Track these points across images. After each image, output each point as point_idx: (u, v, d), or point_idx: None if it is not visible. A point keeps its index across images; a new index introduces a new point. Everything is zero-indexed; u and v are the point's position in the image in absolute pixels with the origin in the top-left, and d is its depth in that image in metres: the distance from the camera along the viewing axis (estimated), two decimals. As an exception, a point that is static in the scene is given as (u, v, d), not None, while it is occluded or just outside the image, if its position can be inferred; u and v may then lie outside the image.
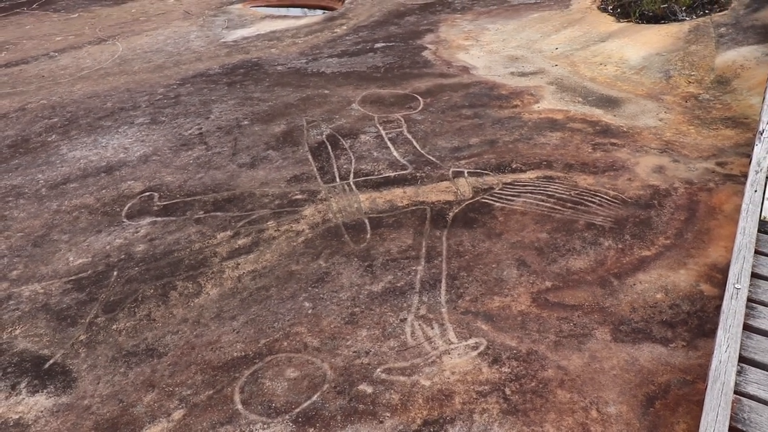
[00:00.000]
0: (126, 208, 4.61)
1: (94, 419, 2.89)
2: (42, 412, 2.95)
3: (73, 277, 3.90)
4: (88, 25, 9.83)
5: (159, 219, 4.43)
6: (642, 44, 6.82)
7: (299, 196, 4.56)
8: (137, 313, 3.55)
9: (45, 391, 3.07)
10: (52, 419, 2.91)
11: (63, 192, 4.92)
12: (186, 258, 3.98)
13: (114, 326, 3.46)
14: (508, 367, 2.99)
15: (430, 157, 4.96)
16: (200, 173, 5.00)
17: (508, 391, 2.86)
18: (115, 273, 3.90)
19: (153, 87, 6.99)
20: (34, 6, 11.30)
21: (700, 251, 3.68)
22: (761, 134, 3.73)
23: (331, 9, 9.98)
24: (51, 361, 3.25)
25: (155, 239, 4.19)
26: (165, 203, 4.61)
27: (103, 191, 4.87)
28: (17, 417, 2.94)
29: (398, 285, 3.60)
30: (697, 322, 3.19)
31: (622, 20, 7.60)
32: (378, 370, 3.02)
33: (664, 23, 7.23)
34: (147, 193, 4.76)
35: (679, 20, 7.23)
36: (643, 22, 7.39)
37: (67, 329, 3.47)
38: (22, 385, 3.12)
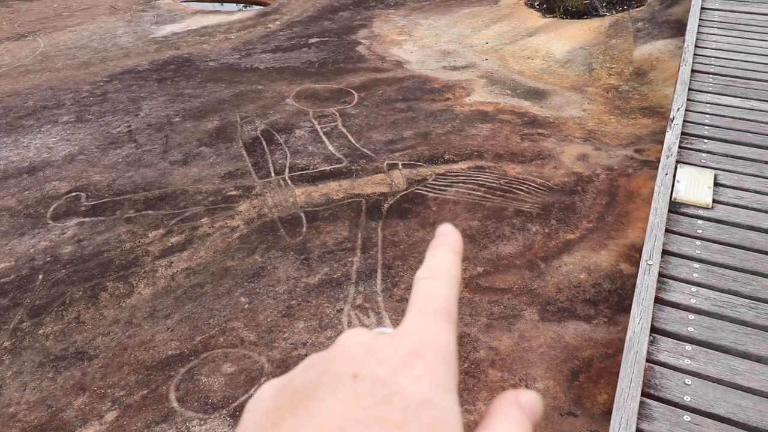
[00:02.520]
0: (51, 209, 4.44)
1: (20, 426, 2.79)
2: (-36, 422, 2.83)
3: (-6, 283, 3.73)
4: (6, 20, 9.34)
5: (87, 219, 4.29)
6: (566, 38, 7.10)
7: (234, 192, 4.52)
8: (65, 317, 3.44)
9: (-34, 401, 2.94)
10: (-25, 429, 2.79)
11: (-19, 195, 4.68)
12: (116, 258, 3.88)
13: (41, 331, 3.35)
14: (442, 351, 3.08)
15: (365, 151, 5.01)
16: (130, 171, 4.87)
17: (442, 374, 2.95)
18: (40, 276, 3.76)
19: (78, 84, 6.73)
20: (-55, 0, 10.62)
21: (619, 233, 3.89)
22: (672, 122, 3.98)
23: (265, 4, 9.87)
24: (-28, 370, 3.11)
25: (83, 240, 4.07)
26: (93, 203, 4.48)
27: (26, 192, 4.67)
28: (-64, 429, 2.80)
29: (335, 276, 3.63)
30: (617, 299, 3.38)
31: (547, 15, 7.88)
32: (315, 360, 3.05)
33: (586, 18, 7.55)
34: (73, 194, 4.60)
35: (600, 15, 7.56)
36: (567, 18, 7.69)
37: (-10, 336, 3.33)
38: (-59, 396, 2.97)
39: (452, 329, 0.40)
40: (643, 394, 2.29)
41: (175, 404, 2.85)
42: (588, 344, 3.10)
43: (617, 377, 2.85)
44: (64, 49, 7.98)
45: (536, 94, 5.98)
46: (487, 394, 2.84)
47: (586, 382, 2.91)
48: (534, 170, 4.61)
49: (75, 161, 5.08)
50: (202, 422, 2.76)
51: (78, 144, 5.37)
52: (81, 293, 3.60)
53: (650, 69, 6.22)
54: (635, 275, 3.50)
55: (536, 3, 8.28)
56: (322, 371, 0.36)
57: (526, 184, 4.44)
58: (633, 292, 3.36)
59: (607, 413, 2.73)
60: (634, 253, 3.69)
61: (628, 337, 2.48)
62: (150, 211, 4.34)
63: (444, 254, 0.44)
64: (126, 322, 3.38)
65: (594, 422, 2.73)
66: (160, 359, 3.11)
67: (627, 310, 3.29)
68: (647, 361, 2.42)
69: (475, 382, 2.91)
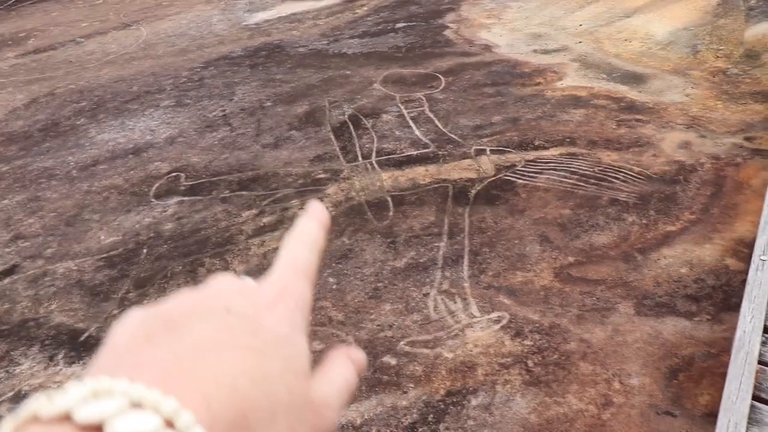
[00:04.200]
0: (154, 188, 4.71)
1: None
2: (79, 382, 3.07)
3: (104, 255, 4.01)
4: (113, 11, 9.96)
5: (186, 198, 4.52)
6: (668, 19, 6.69)
7: (322, 175, 4.61)
8: (167, 289, 3.65)
9: (81, 362, 3.19)
10: (89, 389, 3.02)
11: (93, 173, 5.04)
12: (213, 236, 4.06)
13: (145, 301, 3.57)
14: (531, 340, 3.02)
15: (452, 136, 4.96)
16: (225, 154, 5.08)
17: (530, 363, 2.89)
18: (144, 250, 4.00)
19: (177, 70, 7.08)
20: (60, -7, 11.44)
21: (726, 226, 3.64)
22: (791, 107, 3.67)
23: (352, -10, 9.94)
24: (86, 334, 3.37)
25: (183, 218, 4.29)
26: (191, 183, 4.70)
27: (132, 172, 4.97)
28: (55, 387, 3.06)
29: (421, 261, 3.63)
30: (722, 296, 3.18)
31: (648, -5, 7.44)
32: (401, 342, 3.08)
33: (691, -3, 7.06)
34: (174, 174, 4.86)
35: (707, -6, 7.05)
36: (670, -3, 7.23)
37: (101, 304, 3.59)
38: (60, 356, 3.24)
39: (309, 286, 0.48)
40: (754, 397, 2.14)
41: (267, 377, 2.96)
42: (689, 342, 2.93)
43: (722, 378, 2.68)
44: (165, 37, 8.40)
45: (634, 78, 5.69)
46: (577, 387, 2.75)
47: (686, 381, 2.75)
48: (631, 158, 4.40)
49: (175, 143, 5.36)
50: (292, 396, 2.85)
51: (178, 127, 5.66)
52: (181, 268, 3.81)
53: (764, 51, 5.74)
54: (744, 271, 3.27)
55: (635, -18, 7.84)
56: (196, 305, 0.41)
57: (622, 172, 4.24)
58: (742, 289, 3.15)
59: (710, 416, 2.58)
60: (742, 248, 3.44)
61: (737, 337, 2.33)
62: (244, 192, 4.51)
63: (311, 224, 0.52)
64: (221, 296, 3.53)
65: (694, 424, 2.58)
66: (253, 334, 3.23)
67: (733, 308, 3.08)
68: (759, 362, 2.26)
69: (566, 374, 2.83)
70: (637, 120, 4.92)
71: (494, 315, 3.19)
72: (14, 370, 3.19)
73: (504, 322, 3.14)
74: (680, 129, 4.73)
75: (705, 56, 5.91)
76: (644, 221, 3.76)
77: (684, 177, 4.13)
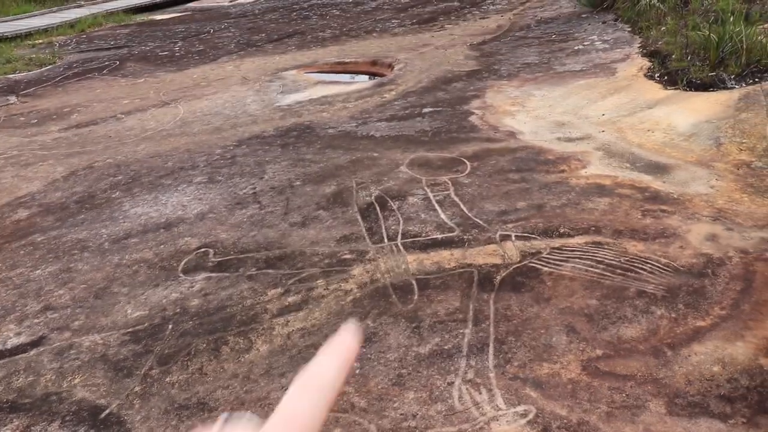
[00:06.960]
0: (182, 263, 4.79)
1: (145, 471, 2.94)
2: (96, 461, 3.03)
3: (130, 329, 4.05)
4: (153, 90, 10.49)
5: (213, 275, 4.59)
6: (690, 111, 6.83)
7: (348, 256, 4.66)
8: (190, 367, 3.64)
9: (100, 440, 3.16)
10: (106, 469, 2.98)
11: (124, 246, 5.16)
12: (238, 314, 4.09)
13: (167, 379, 3.56)
14: (559, 437, 2.92)
15: (477, 220, 5.02)
16: (253, 231, 5.19)
17: (558, 463, 2.79)
18: (170, 326, 4.03)
19: (211, 148, 7.35)
20: (105, 71, 12.15)
21: (758, 323, 3.57)
22: (819, 204, 3.67)
23: (381, 75, 10.39)
24: (107, 411, 3.36)
25: (209, 294, 4.34)
26: (219, 259, 4.79)
27: (162, 246, 5.09)
28: (73, 465, 3.02)
29: (445, 348, 3.60)
30: (757, 397, 3.07)
31: (669, 88, 7.65)
32: (425, 434, 3.00)
33: (712, 91, 7.24)
34: (203, 250, 4.95)
35: (728, 88, 7.22)
36: (690, 90, 7.42)
37: (123, 380, 3.59)
38: (79, 433, 3.22)
39: None
40: None
41: (286, 465, 2.89)
42: (724, 446, 2.82)
43: (762, 489, 2.56)
44: (201, 116, 8.78)
45: (658, 169, 5.76)
46: (608, 491, 2.64)
47: (724, 489, 2.63)
48: (657, 249, 4.39)
49: (205, 219, 5.50)
50: (311, 487, 2.77)
51: (209, 203, 5.82)
52: (205, 345, 3.81)
53: (787, 145, 5.80)
54: (779, 372, 3.17)
55: (657, 75, 8.08)
56: None
57: (649, 263, 4.22)
58: (778, 391, 3.05)
59: None
60: (776, 347, 3.35)
61: (777, 445, 2.24)
62: (270, 270, 4.56)
63: (331, 364, 0.48)
64: (244, 377, 3.52)
65: None
66: (274, 418, 3.18)
67: (770, 411, 2.98)
68: (802, 475, 2.16)
69: (595, 476, 2.72)
70: (663, 210, 4.94)
71: (520, 408, 3.11)
72: (33, 445, 3.16)
73: (530, 416, 3.06)
74: (706, 221, 4.73)
75: (728, 149, 5.98)
76: (673, 315, 3.71)
77: (712, 270, 4.09)
